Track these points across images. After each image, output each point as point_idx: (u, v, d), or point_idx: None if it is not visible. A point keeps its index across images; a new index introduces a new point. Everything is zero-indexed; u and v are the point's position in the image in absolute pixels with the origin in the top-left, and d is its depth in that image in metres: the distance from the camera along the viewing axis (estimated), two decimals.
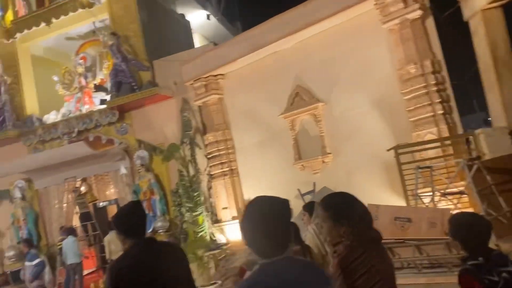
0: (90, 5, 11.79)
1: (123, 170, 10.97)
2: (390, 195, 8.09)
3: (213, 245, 9.71)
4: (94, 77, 12.58)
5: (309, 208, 4.64)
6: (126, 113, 11.56)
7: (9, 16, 13.00)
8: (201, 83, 10.39)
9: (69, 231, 10.36)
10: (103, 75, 12.47)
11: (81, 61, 12.63)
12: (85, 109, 12.11)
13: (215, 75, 10.41)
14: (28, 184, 12.37)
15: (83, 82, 12.53)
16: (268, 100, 9.78)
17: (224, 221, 10.14)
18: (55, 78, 12.90)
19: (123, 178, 11.38)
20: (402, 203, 7.37)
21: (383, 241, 2.35)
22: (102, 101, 11.73)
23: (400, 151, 7.31)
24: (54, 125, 11.98)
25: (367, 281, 2.05)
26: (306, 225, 4.63)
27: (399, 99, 7.99)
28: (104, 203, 12.65)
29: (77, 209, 12.06)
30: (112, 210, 13.07)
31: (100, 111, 11.57)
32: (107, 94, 12.00)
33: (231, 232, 9.96)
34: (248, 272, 2.86)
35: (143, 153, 11.02)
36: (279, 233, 1.73)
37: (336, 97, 8.99)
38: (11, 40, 12.83)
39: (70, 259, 9.78)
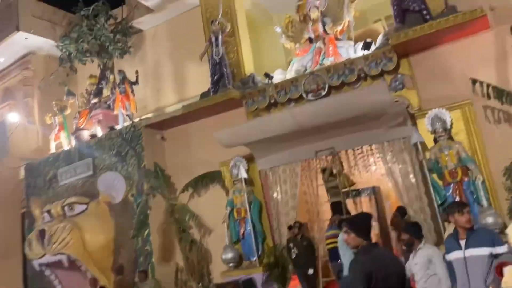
0: None
1: (417, 138, 7.50)
2: None
3: None
4: (336, 23, 9.58)
5: None
6: (403, 60, 8.29)
7: None
8: None
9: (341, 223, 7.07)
10: (351, 17, 9.40)
11: (317, 2, 9.74)
12: (329, 61, 9.06)
13: None
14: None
15: (320, 29, 9.59)
16: None
17: None
18: (277, 29, 10.26)
19: (399, 153, 8.01)
20: None
21: None
22: (367, 44, 8.53)
23: None
24: (293, 81, 9.05)
25: None
26: None
27: None
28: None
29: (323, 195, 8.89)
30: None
31: (366, 57, 8.41)
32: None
33: None
34: None
35: (443, 112, 7.56)
36: None
37: None
38: None
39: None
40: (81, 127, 12.31)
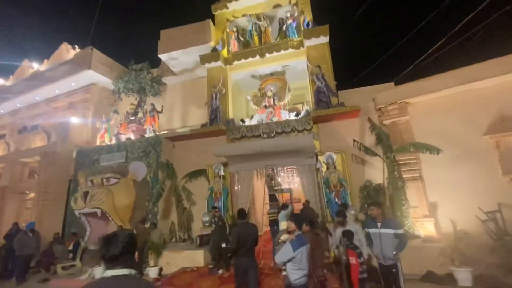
0: (299, 47, 9.28)
1: (319, 165, 7.70)
2: None
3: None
4: (280, 100, 9.71)
5: None
6: (314, 125, 8.56)
7: (224, 51, 10.47)
8: (395, 107, 7.49)
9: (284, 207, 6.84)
10: (288, 100, 9.65)
11: (272, 87, 9.89)
12: (275, 119, 9.12)
13: (406, 102, 7.53)
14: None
15: (272, 102, 9.68)
16: (461, 124, 6.80)
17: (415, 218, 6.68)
18: (248, 98, 10.15)
19: (308, 172, 8.09)
20: None
21: None
22: (297, 114, 8.76)
23: None
24: (257, 126, 8.91)
25: None
26: None
27: None
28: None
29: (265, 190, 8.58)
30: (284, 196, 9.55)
31: (297, 120, 8.57)
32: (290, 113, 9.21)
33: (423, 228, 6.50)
34: None
35: (333, 154, 7.88)
36: None
37: None
38: (227, 66, 10.20)
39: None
40: (121, 132, 10.95)
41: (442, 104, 7.12)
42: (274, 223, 6.67)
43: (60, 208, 10.32)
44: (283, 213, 6.47)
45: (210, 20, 10.99)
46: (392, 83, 8.38)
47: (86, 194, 8.59)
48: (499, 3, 9.08)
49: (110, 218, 8.58)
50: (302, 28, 9.29)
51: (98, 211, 8.43)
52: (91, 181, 9.25)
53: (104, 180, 9.12)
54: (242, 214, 4.31)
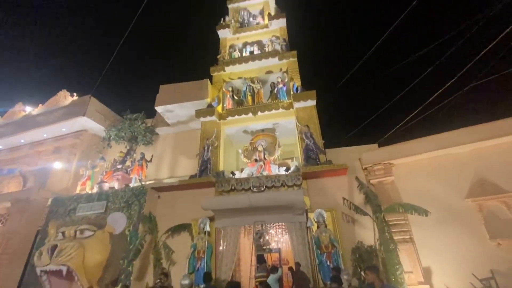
0: (288, 108, 9.99)
1: (310, 223, 7.49)
2: None
3: None
4: (270, 155, 9.97)
5: None
6: (304, 180, 8.62)
7: (219, 107, 11.09)
8: (380, 167, 7.82)
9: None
10: (278, 155, 9.91)
11: (263, 142, 10.25)
12: (265, 173, 9.18)
13: (390, 163, 7.90)
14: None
15: (262, 156, 9.90)
16: (443, 186, 7.09)
17: (410, 285, 6.32)
18: (239, 151, 10.36)
19: (298, 230, 7.78)
20: None
21: None
22: (287, 169, 8.90)
23: None
24: (247, 179, 8.88)
25: None
26: None
27: None
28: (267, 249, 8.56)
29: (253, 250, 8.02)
30: (272, 257, 8.90)
31: (287, 175, 8.66)
32: (280, 168, 9.35)
33: None
34: None
35: (323, 212, 7.76)
36: None
37: None
38: (221, 121, 10.66)
39: None
40: (105, 180, 10.55)
41: (424, 166, 7.52)
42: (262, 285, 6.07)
43: (20, 263, 9.08)
44: (272, 277, 6.00)
45: (208, 79, 11.93)
46: (376, 145, 8.90)
47: (54, 248, 7.77)
48: (466, 80, 10.46)
49: (76, 278, 7.60)
50: (292, 92, 10.17)
51: (64, 269, 7.52)
52: (63, 232, 8.49)
53: (78, 232, 8.41)
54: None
